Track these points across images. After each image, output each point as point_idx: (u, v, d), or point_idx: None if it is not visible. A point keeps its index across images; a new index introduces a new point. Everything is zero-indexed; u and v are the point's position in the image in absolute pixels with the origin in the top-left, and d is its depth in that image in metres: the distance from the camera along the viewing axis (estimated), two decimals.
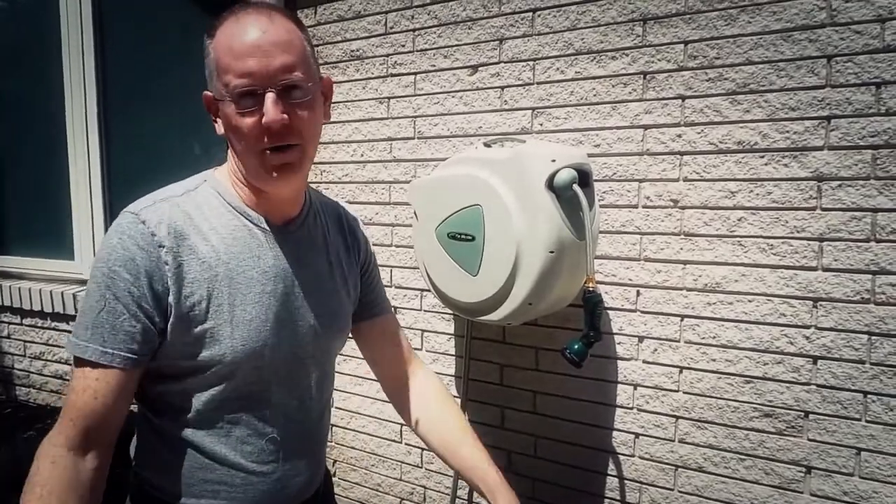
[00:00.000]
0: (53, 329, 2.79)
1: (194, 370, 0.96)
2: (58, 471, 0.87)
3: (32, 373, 2.93)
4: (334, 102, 2.18)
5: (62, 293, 2.68)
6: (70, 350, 0.91)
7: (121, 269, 0.89)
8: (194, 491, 1.01)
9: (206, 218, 0.97)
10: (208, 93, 0.99)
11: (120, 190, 2.73)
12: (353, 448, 2.30)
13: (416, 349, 2.09)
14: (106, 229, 2.68)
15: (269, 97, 0.90)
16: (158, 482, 1.03)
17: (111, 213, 2.72)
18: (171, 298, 0.92)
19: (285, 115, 0.91)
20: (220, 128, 0.99)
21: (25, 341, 2.91)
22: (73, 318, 2.68)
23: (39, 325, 2.84)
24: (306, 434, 1.11)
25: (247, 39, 0.90)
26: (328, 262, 1.14)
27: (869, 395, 1.46)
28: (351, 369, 2.23)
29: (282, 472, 1.05)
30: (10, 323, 2.96)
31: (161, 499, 1.02)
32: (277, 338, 1.01)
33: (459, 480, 2.01)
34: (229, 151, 1.03)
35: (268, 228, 1.02)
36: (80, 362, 0.90)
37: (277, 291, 1.01)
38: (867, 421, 1.46)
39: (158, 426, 1.02)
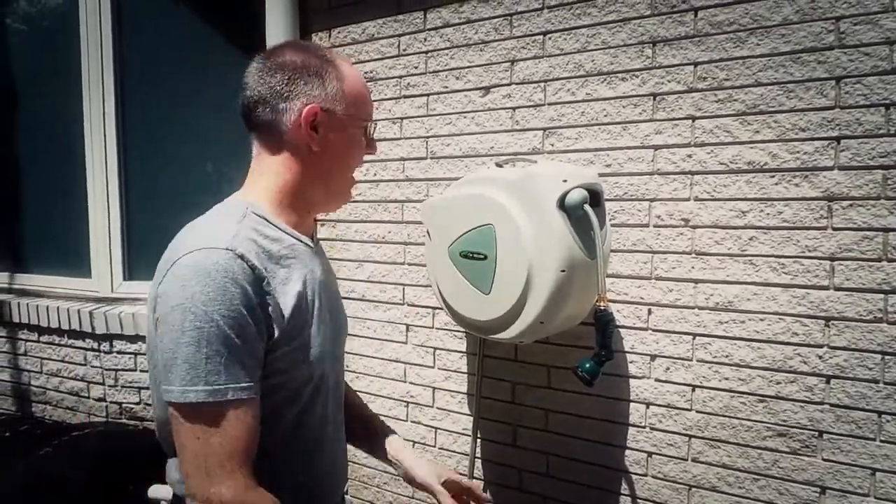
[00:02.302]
0: (70, 346, 2.82)
1: (286, 383, 1.00)
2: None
3: (49, 389, 2.96)
4: None
5: (79, 311, 2.71)
6: (203, 398, 0.87)
7: (238, 305, 0.89)
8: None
9: (272, 243, 0.99)
10: (319, 106, 1.02)
11: (137, 208, 2.77)
12: (365, 466, 2.30)
13: (427, 367, 2.11)
14: (125, 247, 2.74)
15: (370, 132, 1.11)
16: None
17: (129, 230, 2.77)
18: (275, 322, 0.94)
19: None
20: (315, 143, 1.03)
21: (42, 358, 2.95)
22: (89, 335, 2.71)
23: (56, 342, 2.87)
24: (342, 435, 1.22)
25: (365, 84, 1.11)
26: (335, 277, 1.28)
27: (883, 415, 1.45)
28: (363, 386, 2.24)
29: (336, 472, 1.18)
30: (27, 340, 3.00)
31: None
32: (331, 340, 1.10)
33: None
34: (286, 175, 1.05)
35: (310, 245, 1.10)
36: (213, 408, 0.87)
37: (325, 301, 1.09)
38: (882, 441, 1.46)
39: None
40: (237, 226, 0.96)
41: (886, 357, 1.44)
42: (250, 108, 1.04)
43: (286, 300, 0.97)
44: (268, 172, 1.05)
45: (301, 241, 1.07)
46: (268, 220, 1.02)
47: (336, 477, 1.20)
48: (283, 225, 1.04)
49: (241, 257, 0.90)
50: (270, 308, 0.94)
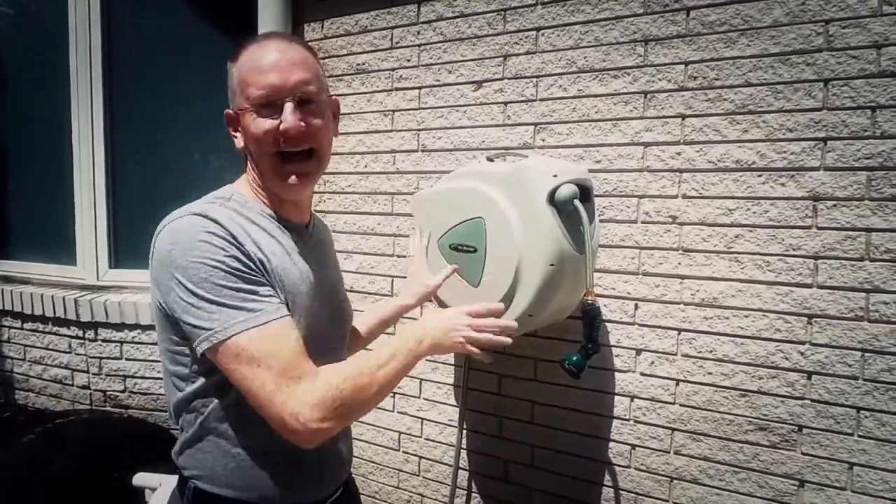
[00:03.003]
0: (54, 334, 2.80)
1: None
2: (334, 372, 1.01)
3: (32, 377, 2.93)
4: (340, 114, 2.22)
5: (63, 298, 2.69)
6: (237, 329, 0.94)
7: (229, 248, 0.96)
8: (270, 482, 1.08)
9: (250, 221, 1.05)
10: (230, 111, 1.09)
11: (123, 195, 2.75)
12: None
13: None
14: (110, 234, 2.72)
15: (288, 106, 1.03)
16: (230, 482, 1.07)
17: (115, 218, 2.74)
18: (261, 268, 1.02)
19: (302, 122, 1.03)
20: (239, 141, 1.11)
21: (25, 345, 2.92)
22: (73, 322, 2.69)
23: (40, 329, 2.85)
24: None
25: (269, 58, 1.04)
26: (334, 263, 1.31)
27: (862, 411, 1.48)
28: None
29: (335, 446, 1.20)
30: (10, 327, 2.97)
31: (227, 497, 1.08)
32: (320, 326, 1.13)
33: (457, 489, 2.03)
34: (249, 165, 1.13)
35: (291, 233, 1.13)
36: (256, 332, 0.95)
37: (312, 289, 1.11)
38: (860, 436, 1.49)
39: (239, 420, 1.06)
40: (219, 205, 1.04)
41: (866, 354, 1.47)
42: None
43: (264, 262, 1.03)
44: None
45: (285, 230, 1.11)
46: (243, 203, 1.09)
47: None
48: (264, 210, 1.11)
49: (214, 221, 0.98)
50: (251, 261, 1.00)
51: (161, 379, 2.60)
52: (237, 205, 1.06)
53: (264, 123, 1.04)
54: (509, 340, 1.18)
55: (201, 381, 1.04)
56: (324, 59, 2.25)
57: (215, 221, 0.97)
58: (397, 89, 2.11)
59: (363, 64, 2.17)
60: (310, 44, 2.26)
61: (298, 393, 0.94)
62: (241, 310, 0.94)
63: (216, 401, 1.04)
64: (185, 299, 0.95)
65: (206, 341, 0.94)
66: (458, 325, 1.16)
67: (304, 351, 0.98)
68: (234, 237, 0.98)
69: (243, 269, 0.97)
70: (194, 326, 0.95)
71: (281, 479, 1.08)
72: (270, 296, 0.99)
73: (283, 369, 0.94)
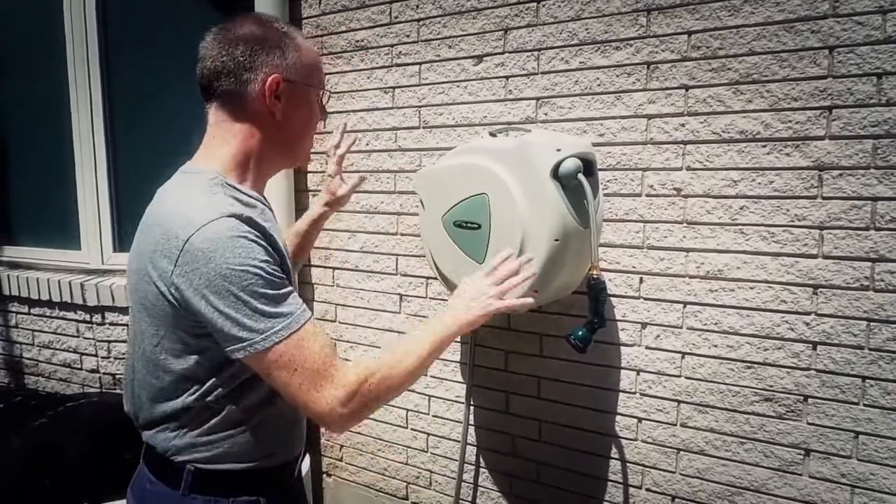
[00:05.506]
0: (62, 318, 2.81)
1: None
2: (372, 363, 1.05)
3: (41, 362, 2.96)
4: (340, 92, 2.20)
5: (70, 283, 2.70)
6: (285, 334, 0.96)
7: (264, 254, 0.97)
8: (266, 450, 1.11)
9: (250, 209, 1.04)
10: (281, 76, 1.07)
11: (126, 179, 2.75)
12: (359, 433, 2.34)
13: None
14: (113, 218, 2.72)
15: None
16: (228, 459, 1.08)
17: (118, 202, 2.74)
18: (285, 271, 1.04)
19: None
20: (279, 112, 1.09)
21: (34, 330, 2.94)
22: (80, 306, 2.71)
23: (48, 314, 2.86)
24: None
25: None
26: None
27: (867, 380, 1.49)
28: (356, 356, 2.26)
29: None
30: (18, 312, 2.98)
31: (227, 471, 1.08)
32: None
33: (466, 465, 2.05)
34: (249, 140, 1.11)
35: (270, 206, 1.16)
36: (295, 337, 0.97)
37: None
38: (865, 405, 1.50)
39: (242, 407, 1.07)
40: (223, 196, 1.01)
41: (872, 324, 1.47)
42: (211, 79, 1.10)
43: (286, 256, 1.07)
44: (231, 140, 1.10)
45: (266, 205, 1.13)
46: (237, 188, 1.06)
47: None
48: (248, 190, 1.09)
49: (247, 220, 0.97)
50: (281, 259, 1.03)
51: None
52: (231, 192, 1.04)
53: (318, 111, 1.17)
54: (532, 279, 1.27)
55: (225, 375, 1.03)
56: (322, 35, 2.23)
57: (247, 223, 0.97)
58: (397, 65, 2.09)
59: (362, 40, 2.15)
60: (308, 20, 2.25)
61: (331, 390, 0.99)
62: (278, 317, 0.96)
63: (241, 395, 1.05)
64: (220, 311, 0.94)
65: (243, 351, 0.95)
66: (478, 291, 1.23)
67: (332, 348, 1.02)
68: (266, 236, 1.00)
69: (275, 273, 0.98)
70: (230, 334, 0.94)
71: (280, 441, 1.14)
72: (294, 296, 1.01)
73: (316, 370, 0.98)
